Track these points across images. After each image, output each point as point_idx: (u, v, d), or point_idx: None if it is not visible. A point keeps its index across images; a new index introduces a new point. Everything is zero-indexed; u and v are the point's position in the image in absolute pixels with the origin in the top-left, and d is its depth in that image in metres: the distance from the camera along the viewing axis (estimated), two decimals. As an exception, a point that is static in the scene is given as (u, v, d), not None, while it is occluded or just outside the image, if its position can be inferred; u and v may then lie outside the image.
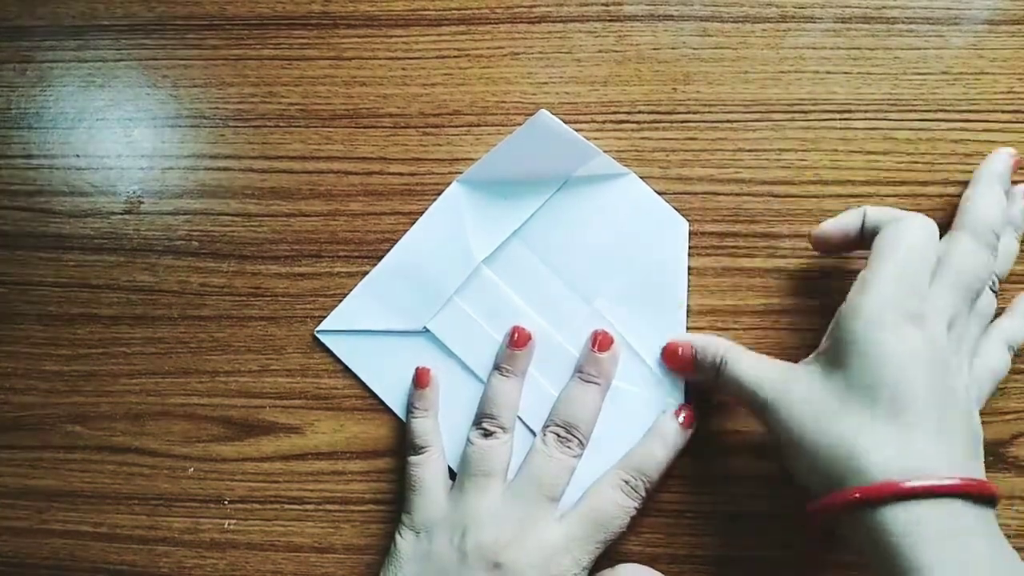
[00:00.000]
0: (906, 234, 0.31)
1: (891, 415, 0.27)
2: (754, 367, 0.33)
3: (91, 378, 0.41)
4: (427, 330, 0.39)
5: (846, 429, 0.28)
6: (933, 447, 0.27)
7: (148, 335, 0.41)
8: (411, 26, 0.42)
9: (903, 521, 0.26)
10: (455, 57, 0.42)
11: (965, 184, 0.39)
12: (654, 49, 0.41)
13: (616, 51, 0.41)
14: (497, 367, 0.38)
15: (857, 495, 0.26)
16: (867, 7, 0.40)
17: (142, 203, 0.42)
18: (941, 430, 0.27)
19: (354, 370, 0.40)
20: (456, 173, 0.41)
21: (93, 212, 0.42)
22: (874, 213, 0.34)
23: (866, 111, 0.40)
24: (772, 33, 0.40)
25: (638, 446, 0.36)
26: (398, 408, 0.39)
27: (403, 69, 0.42)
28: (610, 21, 0.41)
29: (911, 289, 0.30)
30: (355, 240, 0.41)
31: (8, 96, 0.44)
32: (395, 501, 0.39)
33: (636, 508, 0.35)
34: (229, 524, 0.40)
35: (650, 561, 0.38)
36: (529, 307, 0.39)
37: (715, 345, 0.34)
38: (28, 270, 0.42)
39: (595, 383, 0.37)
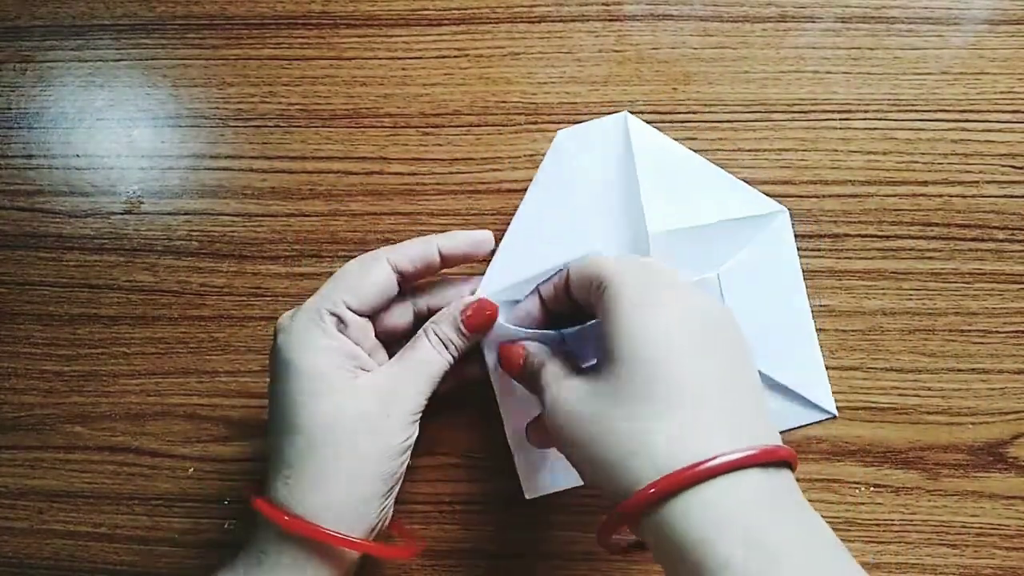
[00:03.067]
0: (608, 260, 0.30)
1: (659, 401, 0.25)
2: (551, 378, 0.30)
3: (91, 378, 0.41)
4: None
5: (616, 431, 0.26)
6: (712, 424, 0.25)
7: (148, 335, 0.41)
8: (411, 26, 0.42)
9: (695, 510, 0.23)
10: (455, 57, 0.42)
11: (965, 184, 0.39)
12: (654, 49, 0.41)
13: (616, 51, 0.41)
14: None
15: (652, 490, 0.24)
16: (867, 7, 0.40)
17: (142, 203, 0.42)
18: (721, 405, 0.25)
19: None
20: (456, 173, 0.41)
21: (93, 212, 0.42)
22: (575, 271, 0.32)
23: (866, 111, 0.40)
24: (772, 33, 0.40)
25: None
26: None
27: (403, 69, 0.42)
28: (610, 21, 0.41)
29: (648, 278, 0.28)
30: (355, 240, 0.41)
31: (8, 96, 0.43)
32: (395, 500, 0.39)
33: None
34: (229, 524, 0.40)
35: (650, 561, 0.38)
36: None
37: (537, 357, 0.32)
38: (28, 270, 0.42)
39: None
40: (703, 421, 0.25)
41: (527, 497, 0.37)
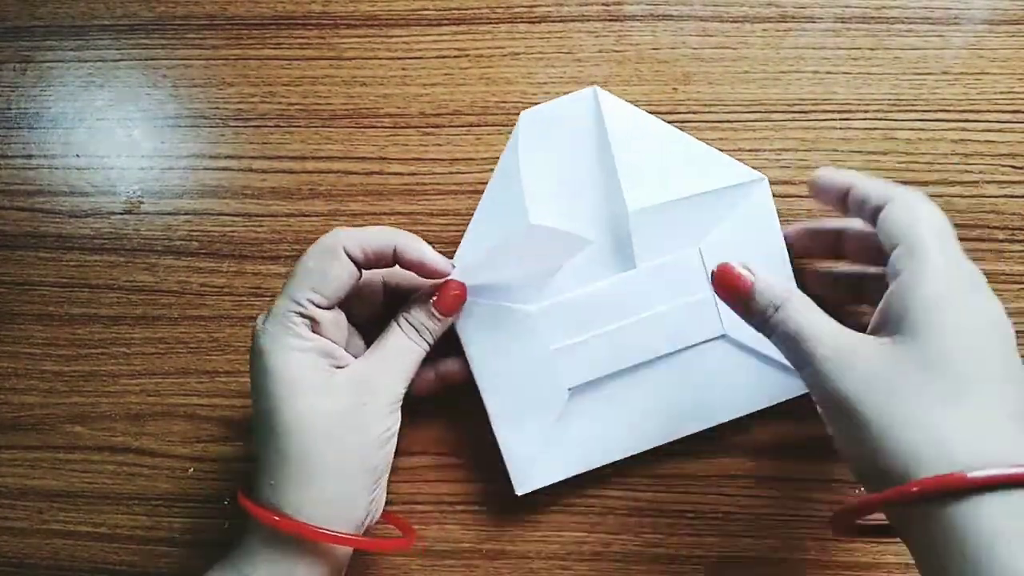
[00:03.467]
0: (925, 207, 0.29)
1: (963, 395, 0.24)
2: (817, 318, 0.28)
3: (91, 378, 0.41)
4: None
5: (913, 411, 0.24)
6: (1009, 430, 0.24)
7: (148, 335, 0.41)
8: (411, 26, 0.42)
9: (977, 516, 0.23)
10: (455, 57, 0.42)
11: (965, 184, 0.39)
12: (654, 49, 0.41)
13: (616, 51, 0.41)
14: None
15: (917, 489, 0.23)
16: (867, 7, 0.40)
17: (142, 203, 0.42)
18: (1017, 411, 0.25)
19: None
20: (456, 173, 0.41)
21: (93, 212, 0.42)
22: (863, 186, 0.32)
23: (866, 111, 0.40)
24: (772, 33, 0.40)
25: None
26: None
27: (403, 69, 0.42)
28: (610, 21, 0.41)
29: (960, 259, 0.27)
30: (355, 240, 0.41)
31: (8, 96, 0.44)
32: (394, 501, 0.39)
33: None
34: (229, 524, 0.40)
35: (650, 561, 0.38)
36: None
37: (779, 287, 0.29)
38: (28, 270, 0.42)
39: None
40: (1005, 427, 0.24)
41: (517, 493, 0.37)
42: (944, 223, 0.29)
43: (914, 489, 0.23)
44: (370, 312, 0.36)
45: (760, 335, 0.30)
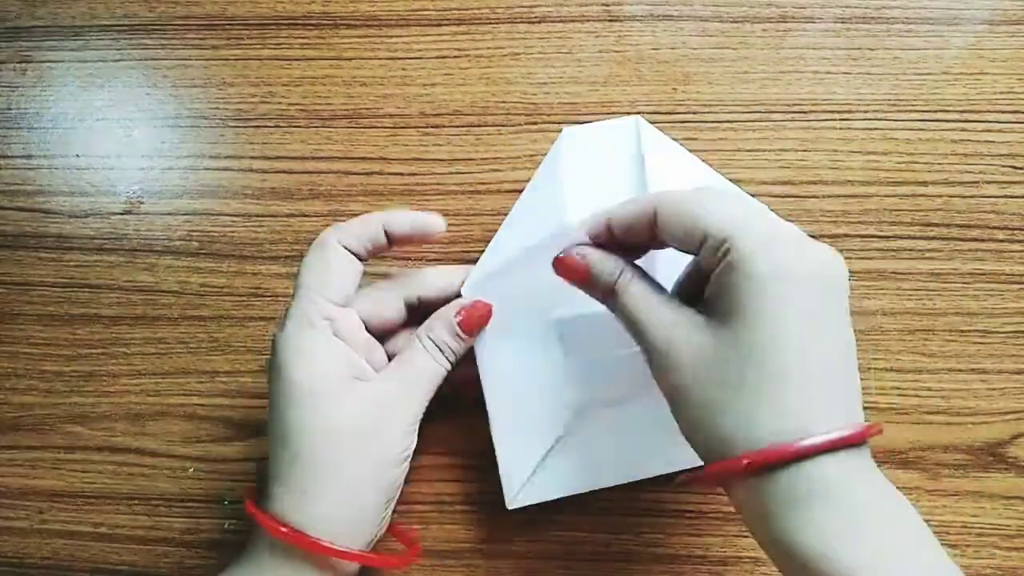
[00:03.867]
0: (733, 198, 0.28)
1: (784, 378, 0.25)
2: (650, 306, 0.28)
3: (91, 378, 0.41)
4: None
5: (733, 397, 0.25)
6: (824, 401, 0.25)
7: (148, 335, 0.41)
8: (411, 26, 0.42)
9: (801, 484, 0.24)
10: (455, 57, 0.42)
11: (965, 184, 0.39)
12: (654, 49, 0.41)
13: (616, 51, 0.41)
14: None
15: (746, 462, 0.24)
16: (867, 7, 0.40)
17: (142, 203, 0.42)
18: (834, 383, 0.25)
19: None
20: (456, 173, 0.41)
21: (93, 212, 0.42)
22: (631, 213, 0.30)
23: (866, 111, 0.40)
24: (772, 33, 0.40)
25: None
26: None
27: (403, 69, 0.42)
28: (610, 21, 0.41)
29: (777, 227, 0.27)
30: (355, 240, 0.41)
31: (8, 96, 0.44)
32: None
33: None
34: (229, 524, 0.40)
35: (650, 561, 0.38)
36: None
37: (612, 265, 0.30)
38: (28, 270, 0.42)
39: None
40: (819, 395, 0.25)
41: (508, 507, 0.36)
42: (750, 227, 0.27)
43: (745, 462, 0.24)
44: (391, 325, 0.35)
45: None
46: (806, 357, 0.25)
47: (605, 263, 0.30)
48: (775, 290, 0.25)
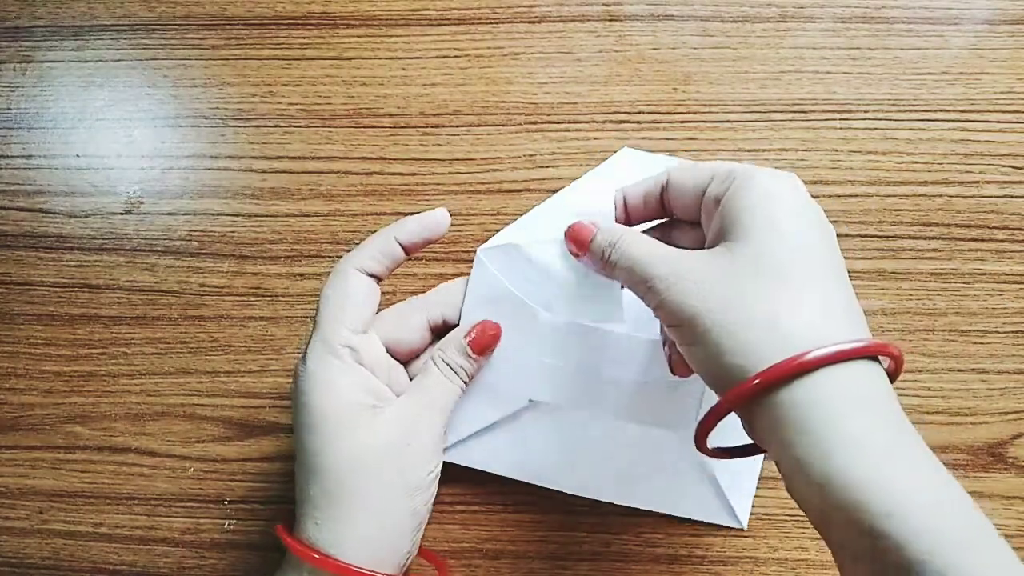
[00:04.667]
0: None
1: (794, 291, 0.25)
2: (651, 247, 0.29)
3: (91, 378, 0.41)
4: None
5: (747, 312, 0.25)
6: (838, 318, 0.25)
7: (148, 335, 0.41)
8: (411, 26, 0.42)
9: (814, 393, 0.24)
10: (455, 57, 0.42)
11: (965, 184, 0.39)
12: (654, 49, 0.41)
13: (616, 51, 0.41)
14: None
15: (756, 381, 0.24)
16: (867, 7, 0.40)
17: (142, 203, 0.42)
18: (845, 303, 0.26)
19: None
20: (456, 173, 0.41)
21: (93, 212, 0.42)
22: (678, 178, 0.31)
23: (866, 111, 0.40)
24: (772, 33, 0.40)
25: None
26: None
27: (403, 69, 0.42)
28: (610, 21, 0.41)
29: (778, 173, 0.28)
30: (355, 240, 0.41)
31: (8, 96, 0.44)
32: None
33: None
34: (229, 524, 0.40)
35: (650, 561, 0.38)
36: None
37: (614, 228, 0.31)
38: (28, 270, 0.42)
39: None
40: (835, 316, 0.25)
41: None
42: (750, 167, 0.29)
43: (756, 382, 0.24)
44: (416, 348, 0.35)
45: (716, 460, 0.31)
46: (801, 268, 0.25)
47: (609, 227, 0.31)
48: (771, 207, 0.26)
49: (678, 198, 0.31)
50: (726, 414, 0.26)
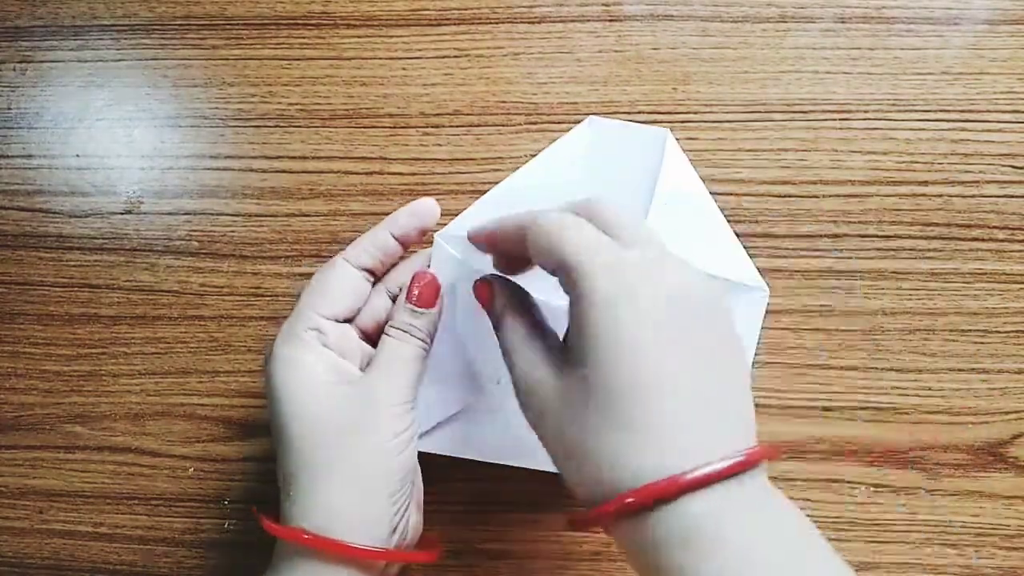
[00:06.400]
0: (568, 224, 0.27)
1: (627, 418, 0.24)
2: (515, 342, 0.29)
3: (91, 378, 0.41)
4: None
5: (578, 442, 0.25)
6: (689, 430, 0.24)
7: (148, 335, 0.41)
8: (411, 26, 0.42)
9: (673, 521, 0.23)
10: (455, 57, 0.42)
11: (965, 184, 0.39)
12: (654, 49, 0.41)
13: (616, 51, 0.41)
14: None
15: (616, 506, 0.23)
16: (867, 7, 0.40)
17: (142, 203, 0.42)
18: (697, 408, 0.24)
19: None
20: (456, 173, 0.41)
21: (93, 212, 0.42)
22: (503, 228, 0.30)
23: (866, 111, 0.40)
24: (772, 33, 0.40)
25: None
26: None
27: (403, 69, 0.42)
28: (610, 21, 0.41)
29: (621, 259, 0.26)
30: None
31: (8, 96, 0.44)
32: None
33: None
34: (229, 524, 0.40)
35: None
36: None
37: (497, 307, 0.31)
38: (28, 270, 0.42)
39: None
40: (680, 428, 0.24)
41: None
42: (596, 260, 0.26)
43: (630, 502, 0.23)
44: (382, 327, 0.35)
45: None
46: (653, 384, 0.24)
47: (503, 292, 0.31)
48: (612, 315, 0.24)
49: (537, 262, 0.28)
50: (589, 527, 0.26)
